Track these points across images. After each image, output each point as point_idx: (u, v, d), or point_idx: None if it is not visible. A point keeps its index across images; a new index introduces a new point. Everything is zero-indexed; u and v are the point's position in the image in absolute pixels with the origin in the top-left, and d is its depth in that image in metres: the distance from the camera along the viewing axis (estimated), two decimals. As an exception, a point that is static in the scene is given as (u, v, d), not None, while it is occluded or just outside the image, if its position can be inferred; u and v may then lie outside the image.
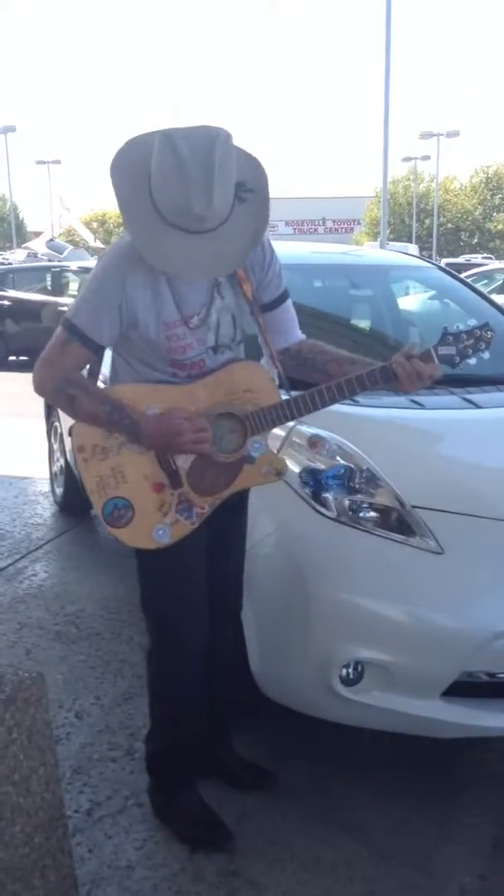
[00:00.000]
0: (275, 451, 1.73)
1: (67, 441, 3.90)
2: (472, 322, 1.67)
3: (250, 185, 1.54)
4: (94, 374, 1.79)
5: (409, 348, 1.65)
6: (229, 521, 1.83)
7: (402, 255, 4.11)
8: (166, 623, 1.79)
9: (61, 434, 4.18)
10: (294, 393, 1.70)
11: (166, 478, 1.67)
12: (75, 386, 1.65)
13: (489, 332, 1.66)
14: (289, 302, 1.82)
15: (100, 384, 1.79)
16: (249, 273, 1.72)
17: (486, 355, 1.66)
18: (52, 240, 25.21)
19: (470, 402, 2.42)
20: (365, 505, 1.97)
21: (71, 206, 31.17)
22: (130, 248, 1.59)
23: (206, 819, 1.85)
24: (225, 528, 1.83)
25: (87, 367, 1.75)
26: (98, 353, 1.70)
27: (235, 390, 1.67)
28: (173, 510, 1.67)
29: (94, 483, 1.68)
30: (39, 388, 1.70)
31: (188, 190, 1.45)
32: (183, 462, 1.67)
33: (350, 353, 1.79)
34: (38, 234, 32.02)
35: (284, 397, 1.69)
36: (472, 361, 1.66)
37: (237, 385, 1.68)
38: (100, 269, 1.66)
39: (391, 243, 22.82)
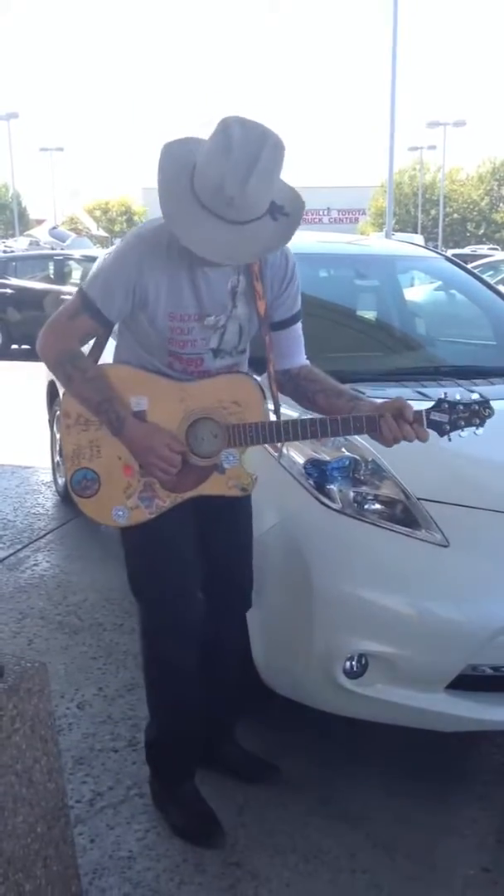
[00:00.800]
0: (246, 469, 1.73)
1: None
2: (475, 396, 1.64)
3: (287, 210, 1.55)
4: (96, 356, 1.79)
5: (402, 407, 1.62)
6: (226, 513, 1.81)
7: (409, 244, 4.08)
8: (155, 604, 1.80)
9: (60, 414, 4.16)
10: (283, 417, 1.71)
11: (137, 464, 1.70)
12: (75, 366, 1.68)
13: (487, 411, 1.62)
14: (299, 325, 1.82)
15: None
16: (267, 288, 1.71)
17: (479, 431, 1.62)
18: (54, 228, 25.10)
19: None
20: (370, 497, 1.96)
21: (73, 192, 31.05)
22: (155, 233, 1.62)
23: (200, 813, 1.85)
24: (222, 520, 1.81)
25: (92, 345, 1.77)
26: (106, 327, 1.71)
27: (224, 400, 1.68)
28: (136, 495, 1.71)
29: (70, 450, 1.74)
30: (42, 353, 1.73)
31: (226, 171, 1.45)
32: None
33: (340, 386, 1.78)
34: (40, 222, 31.94)
35: (272, 419, 1.70)
36: (463, 434, 1.62)
37: (228, 395, 1.69)
38: (121, 246, 1.68)
39: (396, 234, 22.71)
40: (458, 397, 1.63)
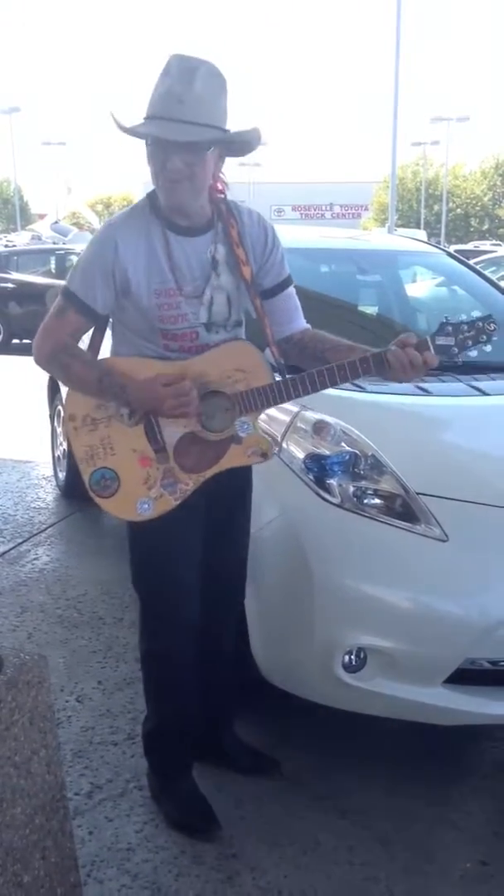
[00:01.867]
0: (263, 434, 1.72)
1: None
2: (475, 313, 1.63)
3: (237, 139, 1.62)
4: (95, 348, 1.80)
5: (406, 337, 1.62)
6: (232, 505, 1.83)
7: (411, 240, 4.07)
8: (155, 599, 1.80)
9: (67, 427, 4.16)
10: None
11: (153, 452, 1.68)
12: (70, 354, 1.69)
13: (491, 325, 1.61)
14: (291, 290, 1.81)
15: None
16: (249, 255, 1.71)
17: (487, 348, 1.61)
18: (56, 222, 25.04)
19: (476, 388, 2.40)
20: (369, 491, 1.96)
21: (73, 187, 30.96)
22: (125, 215, 1.66)
23: (197, 805, 1.85)
24: (228, 513, 1.82)
25: (89, 341, 1.77)
26: (95, 320, 1.72)
27: (227, 369, 1.67)
28: (158, 484, 1.69)
29: (83, 452, 1.72)
30: (37, 357, 1.73)
31: (171, 81, 1.54)
32: (170, 438, 1.68)
33: (350, 341, 1.76)
34: (42, 217, 31.86)
35: (278, 379, 1.68)
36: (473, 353, 1.61)
37: (229, 364, 1.67)
38: (95, 237, 1.71)
39: (399, 229, 22.64)
40: (461, 317, 1.61)
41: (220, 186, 1.69)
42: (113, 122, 1.59)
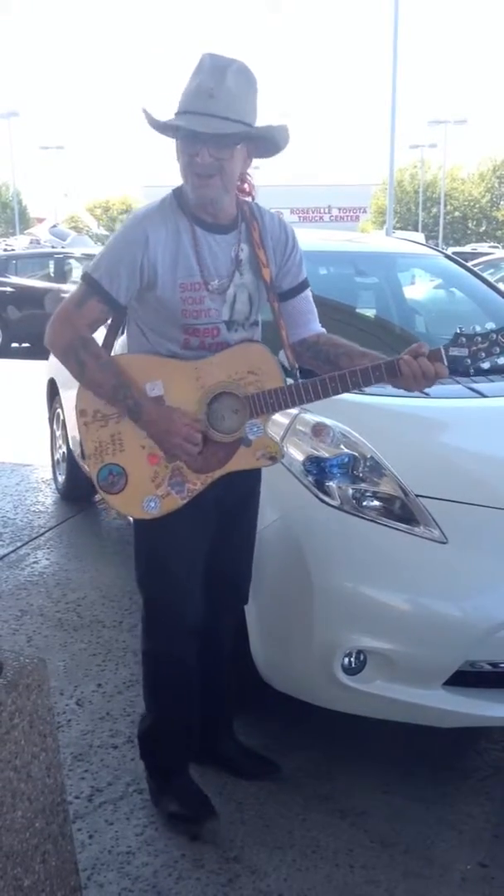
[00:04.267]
0: (273, 436, 1.72)
1: (70, 427, 3.89)
2: (490, 325, 1.62)
3: (266, 134, 1.63)
4: (109, 345, 1.79)
5: (419, 346, 1.62)
6: (239, 509, 1.83)
7: (409, 242, 4.07)
8: (159, 600, 1.80)
9: (63, 421, 4.17)
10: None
11: (162, 450, 1.68)
12: (88, 352, 1.66)
13: None
14: (308, 293, 1.82)
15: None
16: (270, 257, 1.72)
17: (502, 360, 1.60)
18: (54, 226, 25.05)
19: (475, 391, 2.40)
20: (369, 494, 1.96)
21: (70, 192, 31.02)
22: (156, 208, 1.65)
23: (194, 796, 1.85)
24: (235, 517, 1.82)
25: (103, 339, 1.76)
26: (115, 311, 1.70)
27: (240, 371, 1.67)
28: (166, 483, 1.68)
29: (92, 448, 1.71)
30: (51, 343, 1.70)
31: (202, 77, 1.56)
32: None
33: (363, 348, 1.76)
34: (41, 221, 31.87)
35: (290, 383, 1.68)
36: (486, 366, 1.60)
37: (242, 366, 1.67)
38: (124, 226, 1.69)
39: (397, 231, 22.69)
40: (474, 328, 1.60)
41: (247, 188, 1.71)
42: (145, 116, 1.62)
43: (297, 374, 1.74)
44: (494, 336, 1.59)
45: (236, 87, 1.56)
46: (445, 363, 1.59)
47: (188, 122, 1.56)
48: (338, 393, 1.65)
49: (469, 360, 1.60)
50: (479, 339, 1.60)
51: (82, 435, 1.72)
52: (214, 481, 1.69)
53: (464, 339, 1.60)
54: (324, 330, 1.84)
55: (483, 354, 1.60)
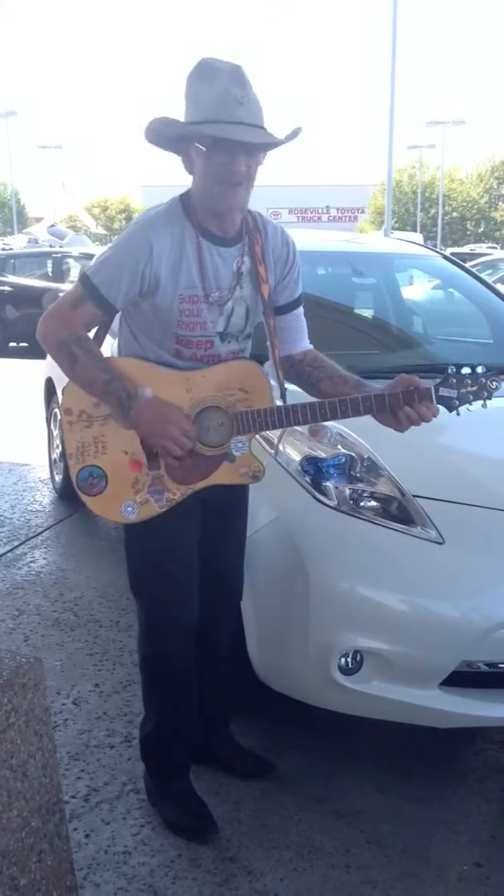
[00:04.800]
0: (256, 456, 1.71)
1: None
2: (480, 368, 1.63)
3: (292, 140, 1.61)
4: (99, 340, 1.78)
5: (409, 380, 1.61)
6: (228, 510, 1.83)
7: (407, 243, 4.08)
8: (154, 603, 1.79)
9: (61, 420, 4.16)
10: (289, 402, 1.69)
11: (145, 457, 1.68)
12: (81, 346, 1.64)
13: (494, 383, 1.61)
14: (300, 310, 1.82)
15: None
16: (270, 272, 1.72)
17: (487, 404, 1.62)
18: (53, 225, 25.05)
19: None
20: (366, 494, 1.96)
21: (73, 190, 30.98)
22: (162, 215, 1.63)
23: (194, 808, 1.85)
24: (225, 517, 1.82)
25: (94, 334, 1.74)
26: (110, 315, 1.68)
27: (230, 387, 1.67)
28: (145, 490, 1.68)
29: (74, 447, 1.70)
30: (43, 339, 1.67)
31: (224, 83, 1.53)
32: None
33: (346, 372, 1.77)
34: (39, 220, 31.85)
35: (278, 404, 1.68)
36: (471, 409, 1.62)
37: (233, 382, 1.67)
38: (128, 231, 1.66)
39: (395, 232, 22.70)
40: (466, 370, 1.61)
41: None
42: (159, 127, 1.58)
43: (285, 390, 1.74)
44: (484, 380, 1.61)
45: (255, 94, 1.55)
46: (435, 402, 1.60)
47: (227, 131, 1.51)
48: (326, 419, 1.68)
49: (457, 402, 1.62)
50: (469, 381, 1.61)
51: (65, 435, 1.72)
52: (195, 492, 1.69)
53: (454, 381, 1.62)
54: (311, 347, 1.83)
55: (471, 398, 1.62)
